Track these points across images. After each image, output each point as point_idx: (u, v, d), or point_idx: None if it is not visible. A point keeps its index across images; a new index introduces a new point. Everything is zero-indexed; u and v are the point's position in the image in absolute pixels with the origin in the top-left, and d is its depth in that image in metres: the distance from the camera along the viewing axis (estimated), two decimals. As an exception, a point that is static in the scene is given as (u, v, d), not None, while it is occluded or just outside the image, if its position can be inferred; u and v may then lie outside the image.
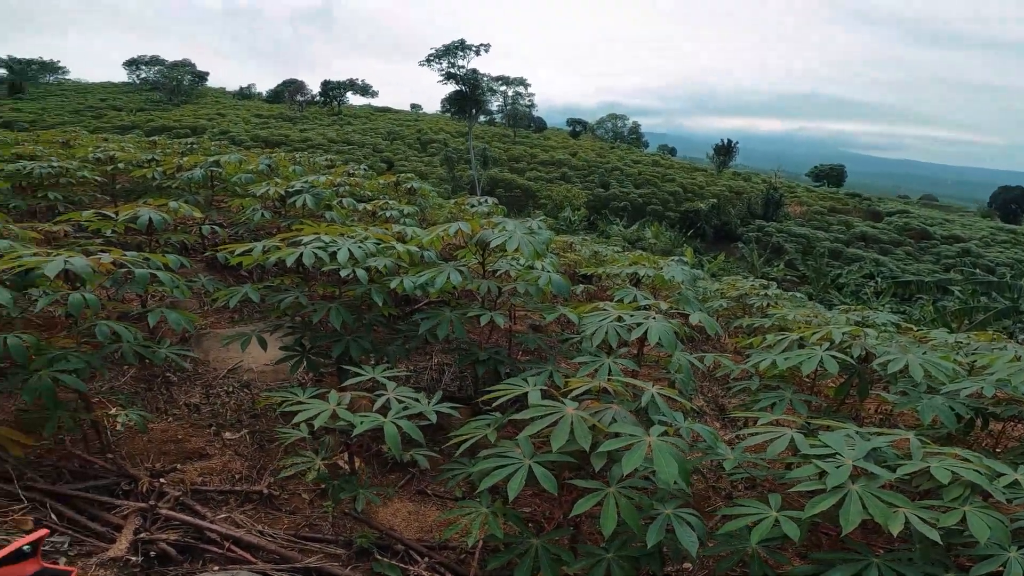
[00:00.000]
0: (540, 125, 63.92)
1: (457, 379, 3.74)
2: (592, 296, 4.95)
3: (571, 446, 1.90)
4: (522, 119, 55.82)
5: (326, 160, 7.80)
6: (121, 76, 61.80)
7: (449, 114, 49.58)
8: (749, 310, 5.56)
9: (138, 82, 59.69)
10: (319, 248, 3.00)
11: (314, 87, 58.50)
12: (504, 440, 2.20)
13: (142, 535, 2.24)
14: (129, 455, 2.70)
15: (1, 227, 2.86)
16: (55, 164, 4.61)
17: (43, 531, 1.44)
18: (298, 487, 2.74)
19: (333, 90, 57.90)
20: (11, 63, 56.83)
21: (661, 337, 2.62)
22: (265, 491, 2.64)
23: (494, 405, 2.34)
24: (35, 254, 2.29)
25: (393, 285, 3.09)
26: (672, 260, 4.61)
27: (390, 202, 5.00)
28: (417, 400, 2.47)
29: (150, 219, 3.22)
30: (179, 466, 2.71)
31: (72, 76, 64.72)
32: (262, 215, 4.14)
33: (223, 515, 2.49)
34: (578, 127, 68.10)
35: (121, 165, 5.11)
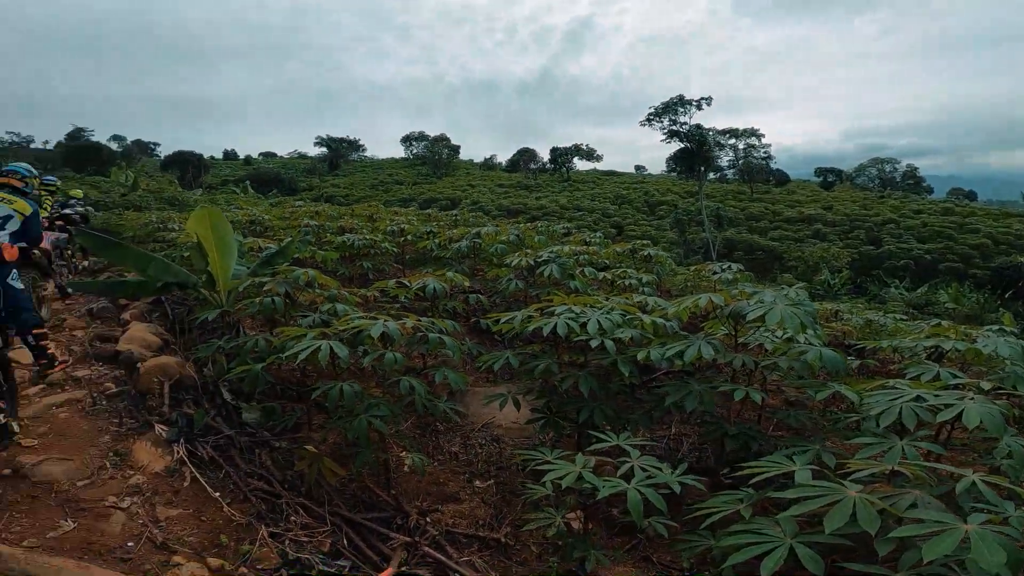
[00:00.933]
0: (781, 178, 57.94)
1: (695, 450, 3.59)
2: (871, 372, 4.25)
3: (849, 529, 1.65)
4: (758, 173, 51.53)
5: (563, 228, 8.38)
6: (400, 151, 74.50)
7: (675, 174, 48.61)
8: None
9: (411, 156, 71.35)
10: (571, 319, 3.18)
11: (544, 154, 62.23)
12: (758, 517, 2.01)
13: (403, 568, 2.54)
14: (404, 492, 3.12)
15: (337, 292, 3.70)
16: (367, 237, 5.89)
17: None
18: (529, 539, 2.89)
19: (560, 156, 60.57)
20: (329, 142, 72.00)
21: (984, 419, 2.09)
22: (503, 539, 2.84)
23: (752, 482, 2.14)
24: (361, 317, 2.90)
25: (640, 356, 3.09)
26: (990, 329, 3.67)
27: (628, 271, 5.10)
28: (660, 469, 2.42)
29: (434, 289, 3.84)
30: (440, 507, 3.05)
31: (368, 153, 78.80)
32: (515, 284, 4.61)
33: (465, 558, 2.73)
34: (830, 176, 60.11)
35: (410, 237, 6.27)
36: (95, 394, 3.96)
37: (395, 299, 4.24)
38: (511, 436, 3.75)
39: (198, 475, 3.13)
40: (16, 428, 3.29)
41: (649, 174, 69.71)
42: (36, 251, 4.80)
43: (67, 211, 7.17)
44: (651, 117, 42.01)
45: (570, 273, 4.88)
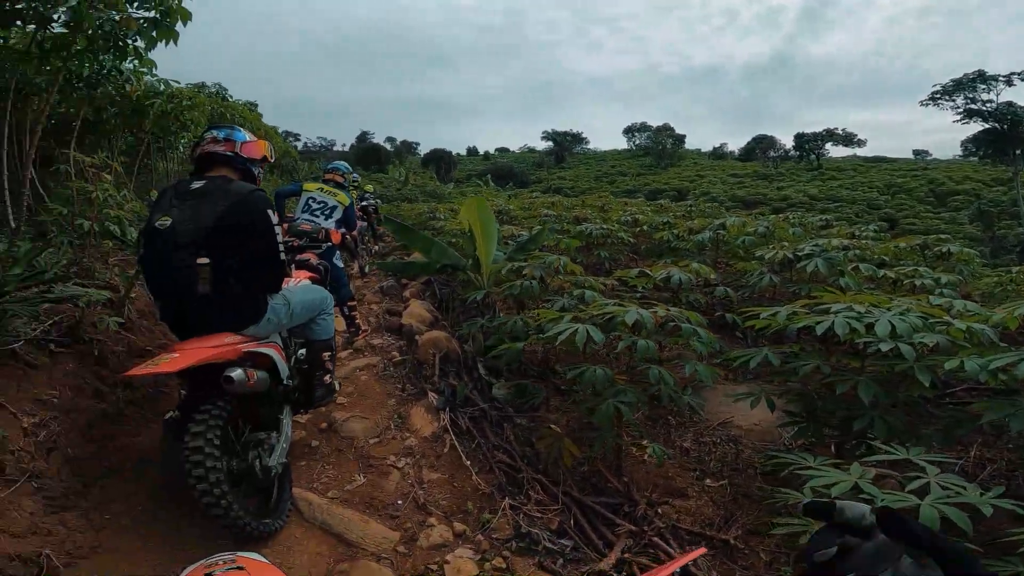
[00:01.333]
0: None
1: (1000, 476, 2.86)
2: None
3: None
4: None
5: (820, 220, 7.31)
6: (623, 143, 74.17)
7: (977, 158, 38.70)
8: None
9: (634, 148, 70.27)
10: (852, 318, 2.73)
11: (785, 141, 55.74)
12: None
13: (625, 555, 2.48)
14: (633, 481, 3.05)
15: (584, 279, 3.81)
16: (604, 226, 5.96)
17: (701, 550, 1.68)
18: (759, 545, 2.63)
19: (808, 143, 53.80)
20: (554, 136, 74.98)
21: None
22: (731, 541, 2.62)
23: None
24: (613, 304, 2.92)
25: (949, 366, 2.52)
26: None
27: (920, 269, 4.18)
28: (964, 488, 1.94)
29: (679, 279, 3.68)
30: (668, 501, 2.93)
31: (591, 145, 79.95)
32: (769, 279, 4.16)
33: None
34: None
35: (645, 227, 6.16)
36: (385, 361, 4.58)
37: (633, 288, 4.20)
38: (750, 438, 3.47)
39: (456, 443, 3.41)
40: (337, 387, 3.80)
41: (934, 159, 56.65)
42: (348, 236, 6.02)
43: (364, 203, 8.89)
44: (937, 96, 34.71)
45: (840, 269, 4.21)
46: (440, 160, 55.76)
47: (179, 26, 3.37)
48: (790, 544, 2.57)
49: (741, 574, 2.52)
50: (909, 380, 2.67)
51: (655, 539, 2.60)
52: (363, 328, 5.22)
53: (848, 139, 54.33)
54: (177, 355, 2.29)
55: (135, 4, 3.23)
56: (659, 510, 2.85)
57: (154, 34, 3.35)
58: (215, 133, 2.63)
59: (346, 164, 5.54)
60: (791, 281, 4.25)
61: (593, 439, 2.89)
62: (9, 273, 2.50)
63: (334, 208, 4.98)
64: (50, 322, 3.02)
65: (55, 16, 2.99)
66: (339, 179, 5.22)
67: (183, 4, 3.27)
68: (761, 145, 58.08)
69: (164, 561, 2.44)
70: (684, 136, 67.90)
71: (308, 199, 5.01)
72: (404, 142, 78.63)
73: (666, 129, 65.92)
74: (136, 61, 3.78)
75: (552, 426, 3.23)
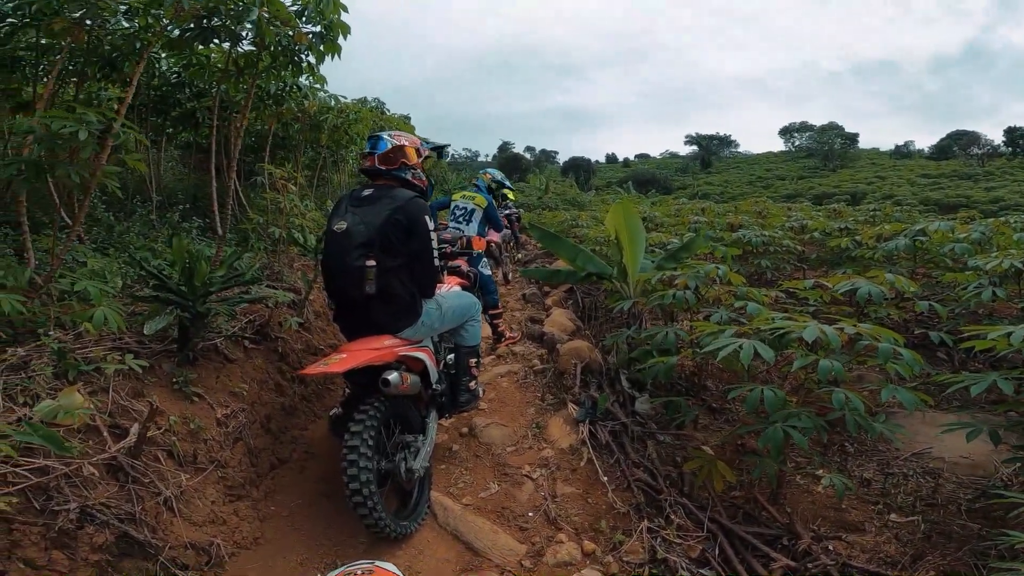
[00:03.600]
0: None
1: None
2: None
3: None
4: None
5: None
6: (778, 145, 68.22)
7: None
8: None
9: (793, 149, 64.30)
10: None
11: (991, 136, 46.94)
12: None
13: None
14: (795, 512, 2.68)
15: (745, 290, 3.41)
16: (764, 234, 5.37)
17: None
18: None
19: None
20: (699, 139, 71.77)
21: None
22: None
23: None
24: (784, 318, 2.55)
25: None
26: None
27: None
28: None
29: (868, 292, 3.13)
30: (842, 536, 2.53)
31: (741, 148, 76.09)
32: (991, 293, 3.37)
33: None
34: None
35: (816, 234, 5.43)
36: (526, 369, 4.58)
37: (803, 302, 3.68)
38: (956, 473, 2.91)
39: (594, 457, 3.27)
40: (481, 393, 3.69)
41: None
42: (494, 243, 6.15)
43: (506, 212, 9.12)
44: None
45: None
46: (579, 168, 56.01)
47: (340, 40, 3.65)
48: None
49: (929, 619, 2.07)
50: None
51: None
52: (509, 335, 5.25)
53: None
54: (345, 355, 2.47)
55: (303, 20, 3.53)
56: (829, 546, 2.45)
57: (321, 48, 3.63)
58: (367, 147, 2.82)
59: (498, 171, 5.71)
60: (1019, 296, 3.41)
61: (750, 464, 2.58)
62: (215, 275, 2.89)
63: (472, 212, 5.15)
64: (246, 320, 3.46)
65: (243, 33, 3.38)
66: (485, 180, 5.42)
67: (341, 19, 3.56)
68: (960, 142, 49.73)
69: (312, 557, 2.60)
70: (856, 135, 61.26)
71: (454, 207, 5.24)
72: (543, 151, 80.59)
73: (833, 128, 59.98)
74: (311, 77, 4.18)
75: (705, 448, 2.96)
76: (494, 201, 5.47)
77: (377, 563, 1.23)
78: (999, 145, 47.99)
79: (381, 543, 2.60)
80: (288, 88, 4.67)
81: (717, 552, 2.52)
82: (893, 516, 2.68)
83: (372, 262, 2.50)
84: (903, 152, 63.04)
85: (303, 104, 5.13)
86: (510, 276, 8.28)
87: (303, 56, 3.77)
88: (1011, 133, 46.98)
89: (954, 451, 3.02)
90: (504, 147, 70.48)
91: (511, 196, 10.08)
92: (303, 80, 4.54)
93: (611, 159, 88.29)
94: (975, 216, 6.73)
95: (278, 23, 3.23)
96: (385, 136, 2.82)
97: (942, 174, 44.65)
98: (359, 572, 1.16)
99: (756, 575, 2.37)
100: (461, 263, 4.02)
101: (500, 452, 3.48)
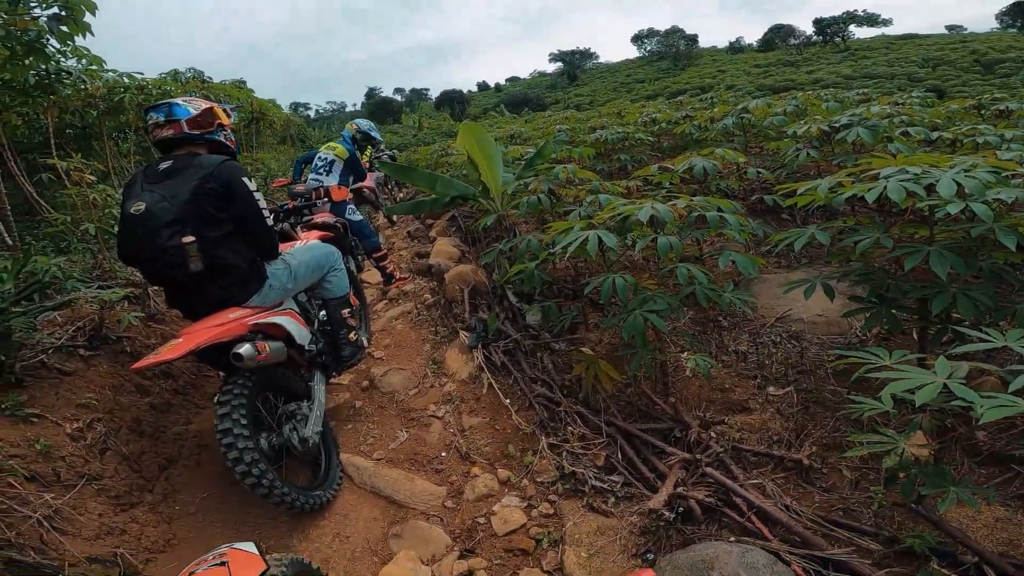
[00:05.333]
0: None
1: None
2: None
3: None
4: None
5: (858, 94, 6.56)
6: (633, 52, 70.77)
7: (1017, 28, 35.51)
8: None
9: (646, 54, 67.29)
10: (907, 181, 2.37)
11: (804, 28, 52.56)
12: None
13: (679, 489, 2.22)
14: (684, 400, 2.75)
15: (598, 184, 3.52)
16: (618, 131, 5.55)
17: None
18: (840, 462, 2.29)
19: (829, 27, 51.15)
20: (562, 56, 71.99)
21: None
22: (804, 461, 2.28)
23: None
24: (626, 204, 2.64)
25: None
26: None
27: (981, 127, 3.66)
28: None
29: (704, 168, 3.35)
30: (725, 419, 2.62)
31: (602, 59, 77.21)
32: (806, 154, 3.75)
33: (754, 480, 2.26)
34: None
35: (665, 124, 5.70)
36: (418, 305, 4.49)
37: (659, 186, 3.88)
38: (815, 332, 3.04)
39: (492, 381, 3.27)
40: (365, 343, 3.55)
41: (971, 33, 52.53)
42: (367, 188, 5.99)
43: (379, 155, 8.70)
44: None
45: (886, 135, 3.73)
46: (452, 100, 54.30)
47: (88, 18, 3.35)
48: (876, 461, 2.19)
49: (821, 498, 2.19)
50: (990, 245, 2.29)
51: (709, 470, 2.29)
52: (399, 276, 5.17)
53: (872, 19, 51.81)
54: (181, 339, 2.24)
55: (33, 5, 3.21)
56: (713, 432, 2.53)
57: (64, 28, 3.32)
58: (155, 116, 2.45)
59: (367, 121, 5.59)
60: (833, 154, 3.83)
61: (631, 357, 2.59)
62: (2, 289, 2.48)
63: (332, 162, 5.01)
64: (74, 328, 3.04)
65: None
66: (351, 130, 5.32)
67: None
68: (780, 34, 54.78)
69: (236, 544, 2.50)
70: (696, 36, 65.61)
71: (316, 159, 5.10)
72: (413, 90, 76.99)
73: (676, 31, 64.03)
74: (83, 60, 3.70)
75: (585, 349, 2.96)
76: (359, 151, 5.26)
77: (235, 545, 1.21)
78: (811, 35, 53.56)
79: (303, 517, 2.53)
80: (54, 75, 4.01)
81: (620, 455, 2.54)
82: (771, 389, 2.75)
83: (190, 238, 2.24)
84: (736, 48, 67.92)
85: (84, 89, 4.44)
86: (394, 218, 8.04)
87: (44, 42, 3.38)
88: (819, 23, 52.46)
89: (811, 311, 3.13)
90: (371, 93, 66.29)
91: (377, 138, 9.58)
92: (73, 64, 3.92)
93: (483, 87, 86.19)
94: (795, 95, 7.39)
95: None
96: (179, 101, 2.47)
97: (770, 64, 48.99)
98: (209, 558, 1.16)
99: (659, 472, 2.39)
100: (324, 216, 3.77)
101: (403, 398, 3.43)
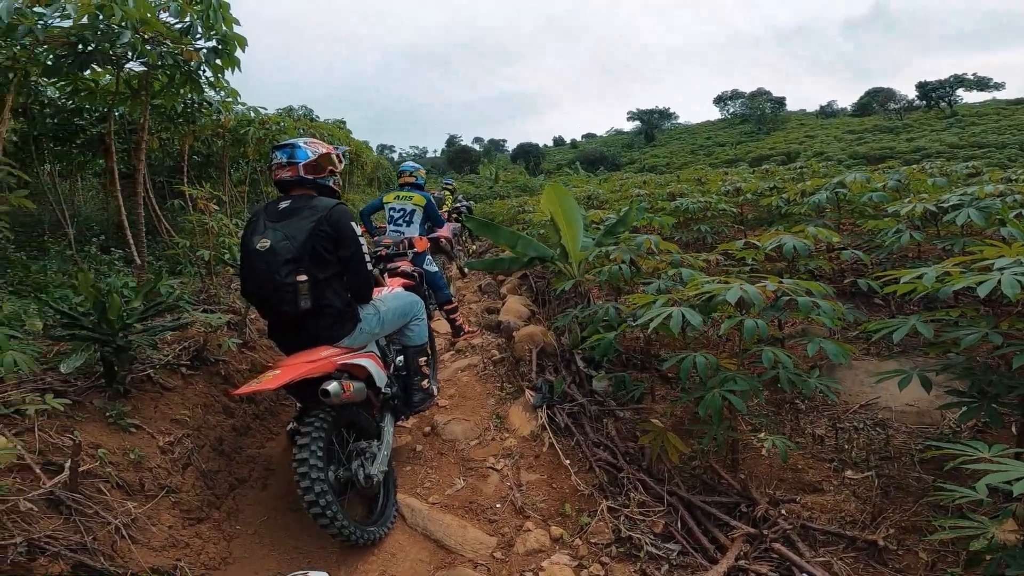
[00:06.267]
0: None
1: None
2: None
3: None
4: None
5: (967, 167, 6.19)
6: (715, 113, 70.35)
7: None
8: None
9: (728, 116, 66.58)
10: (1022, 275, 2.20)
11: (905, 92, 50.40)
12: None
13: (740, 562, 2.18)
14: (753, 477, 2.72)
15: (679, 257, 3.50)
16: (700, 200, 5.51)
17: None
18: (917, 544, 2.22)
19: (935, 91, 48.63)
20: (640, 114, 72.90)
21: None
22: (880, 542, 2.21)
23: None
24: (711, 282, 2.61)
25: None
26: None
27: (1116, 209, 3.34)
28: None
29: (793, 247, 3.25)
30: (796, 498, 2.58)
31: (681, 120, 77.32)
32: (908, 236, 3.55)
33: (822, 558, 2.21)
34: None
35: (749, 195, 5.60)
36: (485, 360, 4.55)
37: (741, 262, 3.79)
38: (903, 422, 2.95)
39: (554, 441, 3.28)
40: (436, 391, 3.67)
41: None
42: (444, 239, 6.01)
43: (457, 205, 9.08)
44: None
45: (999, 218, 3.48)
46: (528, 154, 56.16)
47: (239, 53, 3.56)
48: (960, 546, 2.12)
49: (892, 578, 2.12)
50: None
51: (776, 545, 2.26)
52: (467, 329, 5.20)
53: (982, 83, 48.88)
54: (279, 371, 2.39)
55: (196, 37, 3.43)
56: (784, 510, 2.49)
57: (218, 62, 3.54)
58: (279, 157, 2.66)
59: (413, 163, 5.42)
60: (938, 237, 3.60)
61: (703, 433, 2.59)
62: (132, 306, 2.77)
63: (412, 212, 4.99)
64: (180, 348, 3.33)
65: (123, 53, 3.25)
66: (410, 180, 5.18)
67: (237, 32, 3.48)
68: (878, 98, 52.74)
69: (284, 570, 2.55)
70: (784, 98, 64.44)
71: (389, 210, 5.06)
72: (491, 140, 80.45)
73: (762, 93, 62.76)
74: (221, 92, 4.03)
75: (654, 420, 2.97)
76: (450, 196, 5.28)
77: (311, 573, 1.23)
78: (913, 99, 51.13)
79: (353, 551, 2.57)
80: (198, 105, 4.48)
81: (679, 525, 2.52)
82: (848, 472, 2.69)
83: (304, 277, 2.41)
84: (828, 112, 65.95)
85: (218, 120, 4.93)
86: (467, 270, 8.24)
87: (200, 73, 3.66)
88: (923, 87, 50.05)
89: (900, 400, 3.04)
90: (452, 141, 70.05)
91: (455, 187, 9.98)
92: (213, 95, 4.35)
93: (559, 142, 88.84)
94: (895, 166, 7.07)
95: (167, 42, 3.09)
96: (301, 144, 2.71)
97: (865, 129, 47.05)
98: None
99: (720, 544, 2.37)
100: (404, 264, 3.95)
101: (464, 447, 3.47)
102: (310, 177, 2.67)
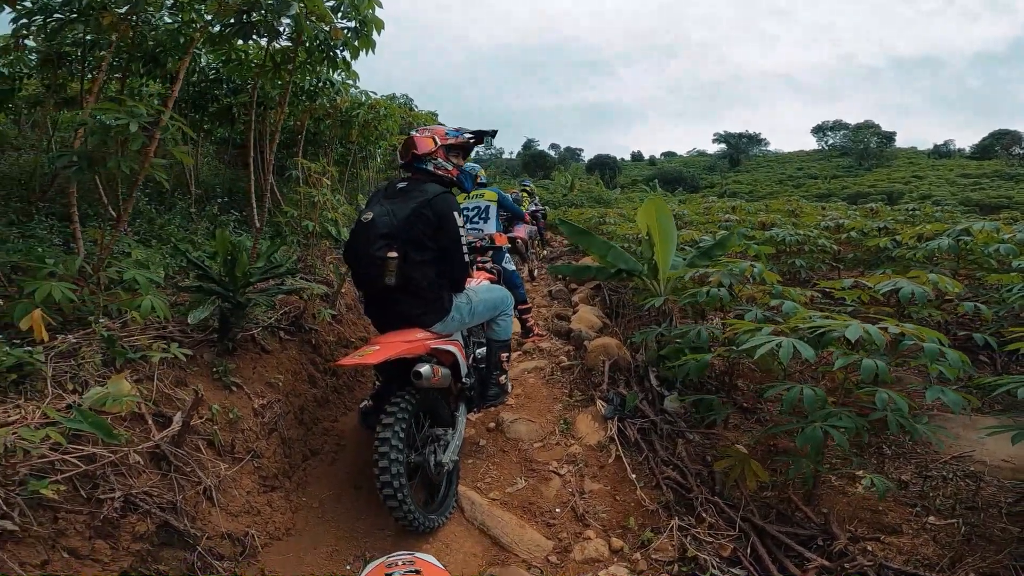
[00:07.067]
0: None
1: None
2: None
3: None
4: None
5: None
6: (811, 143, 66.36)
7: None
8: None
9: (826, 148, 62.72)
10: None
11: None
12: None
13: None
14: (833, 513, 2.62)
15: (780, 289, 3.35)
16: (799, 233, 5.25)
17: None
18: None
19: None
20: (727, 138, 70.23)
21: None
22: None
23: None
24: (827, 318, 2.50)
25: None
26: None
27: None
28: None
29: (912, 292, 3.04)
30: (880, 536, 2.47)
31: (772, 147, 73.85)
32: (1039, 296, 3.24)
33: None
34: None
35: (853, 233, 5.28)
36: (552, 365, 4.56)
37: (839, 302, 3.59)
38: (997, 475, 2.84)
39: (622, 454, 3.25)
40: (510, 388, 3.69)
41: None
42: (520, 239, 6.03)
43: (533, 208, 9.11)
44: None
45: None
46: (604, 166, 55.63)
47: (374, 36, 3.66)
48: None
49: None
50: None
51: None
52: (537, 331, 5.22)
53: None
54: (379, 347, 2.49)
55: (339, 16, 3.54)
56: (867, 547, 2.39)
57: (356, 43, 3.64)
58: (408, 140, 2.81)
59: (474, 164, 5.39)
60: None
61: (783, 464, 2.54)
62: (255, 266, 2.95)
63: (487, 208, 4.97)
64: (282, 312, 3.52)
65: (281, 29, 3.42)
66: (479, 179, 5.21)
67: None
68: (1003, 141, 47.80)
69: (341, 548, 2.62)
70: (894, 133, 59.68)
71: (463, 210, 5.09)
72: (568, 148, 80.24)
73: (869, 126, 58.25)
74: (343, 73, 4.18)
75: (739, 446, 2.91)
76: (528, 198, 5.24)
77: (417, 554, 1.22)
78: (1044, 145, 46.15)
79: (408, 536, 2.61)
80: (322, 84, 4.71)
81: (749, 551, 2.47)
82: (931, 518, 2.61)
83: (394, 254, 2.49)
84: (942, 152, 60.92)
85: (335, 100, 5.16)
86: (536, 273, 8.26)
87: (338, 52, 3.79)
88: None
89: (996, 455, 2.97)
90: (528, 144, 70.42)
91: (530, 189, 10.01)
92: (335, 76, 4.55)
93: (637, 157, 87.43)
94: (1017, 217, 6.47)
95: (314, 18, 3.26)
96: (421, 132, 2.84)
97: (983, 174, 42.96)
98: (399, 563, 1.16)
99: (789, 574, 2.33)
100: (487, 260, 4.02)
101: (527, 448, 3.48)
102: (411, 162, 2.78)
